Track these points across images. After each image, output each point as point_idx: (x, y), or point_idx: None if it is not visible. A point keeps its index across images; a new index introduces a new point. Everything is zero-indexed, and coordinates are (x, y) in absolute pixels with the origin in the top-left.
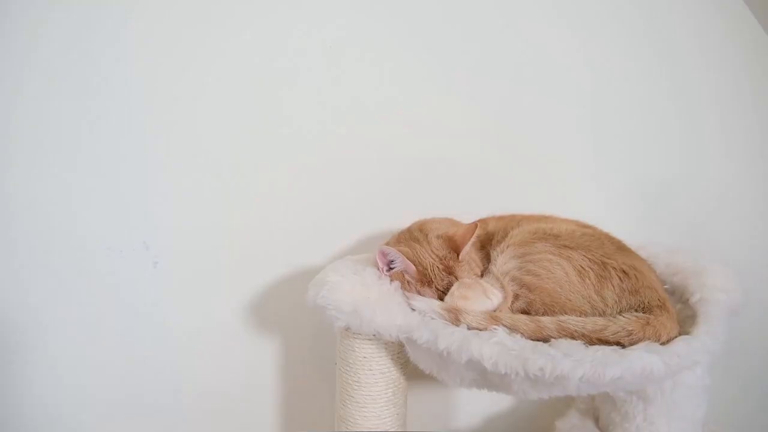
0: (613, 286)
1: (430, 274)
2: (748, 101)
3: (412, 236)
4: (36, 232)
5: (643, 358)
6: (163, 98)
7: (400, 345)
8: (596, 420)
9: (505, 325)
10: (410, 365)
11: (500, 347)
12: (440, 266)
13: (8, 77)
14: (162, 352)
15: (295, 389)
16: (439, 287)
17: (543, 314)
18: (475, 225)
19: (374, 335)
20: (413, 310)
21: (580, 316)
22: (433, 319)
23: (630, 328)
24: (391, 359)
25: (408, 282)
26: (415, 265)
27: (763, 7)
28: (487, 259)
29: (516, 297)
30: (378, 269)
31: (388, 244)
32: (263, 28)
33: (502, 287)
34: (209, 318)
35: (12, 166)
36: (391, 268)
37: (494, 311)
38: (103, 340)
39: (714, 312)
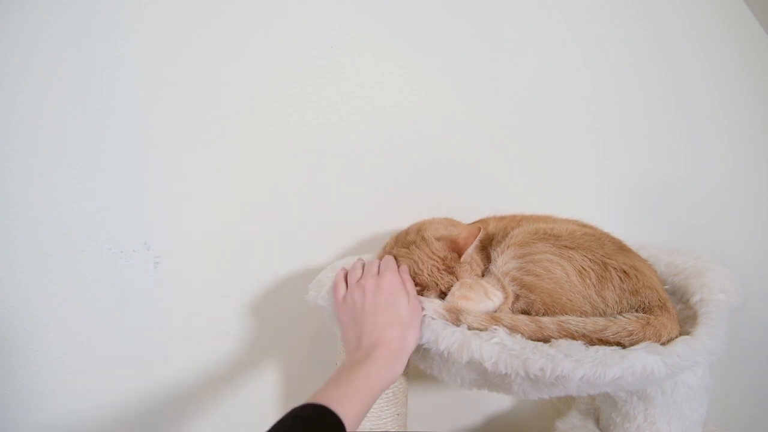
0: (614, 287)
1: (429, 279)
2: (749, 101)
3: (410, 240)
4: (36, 232)
5: (643, 359)
6: (164, 98)
7: None
8: (597, 420)
9: (505, 326)
10: (411, 365)
11: (501, 347)
12: (441, 266)
13: (9, 77)
14: (162, 352)
15: (295, 389)
16: (440, 287)
17: (543, 314)
18: (478, 228)
19: None
20: None
21: (580, 317)
22: (433, 319)
23: (630, 329)
24: None
25: None
26: (415, 272)
27: (763, 7)
28: (487, 259)
29: (516, 297)
30: None
31: (385, 247)
32: (267, 32)
33: (503, 288)
34: (209, 318)
35: (12, 165)
36: None
37: (495, 312)
38: (103, 340)
39: (715, 312)
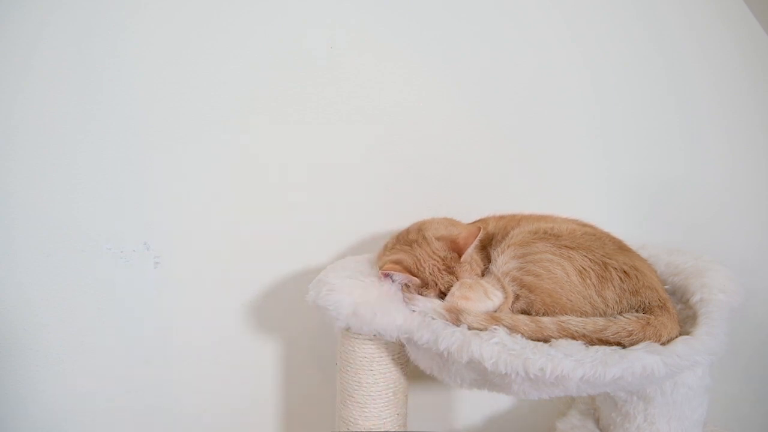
0: (614, 287)
1: (430, 278)
2: (749, 101)
3: (411, 239)
4: (36, 232)
5: (643, 359)
6: (164, 98)
7: (401, 345)
8: (597, 420)
9: (505, 326)
10: (411, 365)
11: (501, 347)
12: (441, 266)
13: (9, 77)
14: (162, 352)
15: (295, 389)
16: (440, 287)
17: (543, 314)
18: (478, 228)
19: (375, 336)
20: (414, 311)
21: (580, 317)
22: (433, 319)
23: (630, 329)
24: (392, 359)
25: (407, 285)
26: (415, 273)
27: (763, 7)
28: (487, 258)
29: (516, 297)
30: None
31: (386, 246)
32: (267, 32)
33: (503, 288)
34: (209, 318)
35: (12, 165)
36: (393, 281)
37: (495, 311)
38: (103, 340)
39: (714, 312)
